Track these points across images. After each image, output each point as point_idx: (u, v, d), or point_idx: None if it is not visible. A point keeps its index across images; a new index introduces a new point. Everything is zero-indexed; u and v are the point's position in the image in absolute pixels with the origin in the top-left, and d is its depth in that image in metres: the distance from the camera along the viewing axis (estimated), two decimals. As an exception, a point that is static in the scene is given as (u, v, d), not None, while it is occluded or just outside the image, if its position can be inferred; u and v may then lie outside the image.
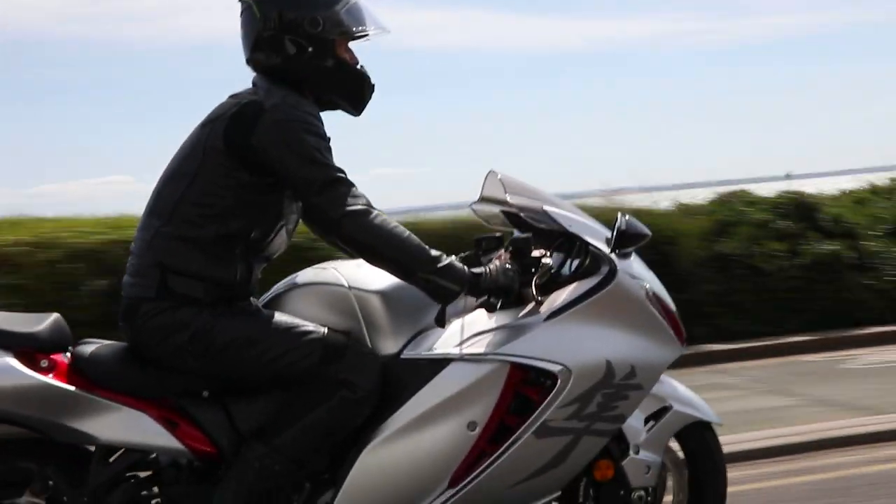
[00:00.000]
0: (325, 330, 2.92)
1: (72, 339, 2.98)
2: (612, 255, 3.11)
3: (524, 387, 3.03)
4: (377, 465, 2.92)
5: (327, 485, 2.94)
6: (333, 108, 3.13)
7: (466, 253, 3.20)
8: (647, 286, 3.15)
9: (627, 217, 3.12)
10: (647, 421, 3.24)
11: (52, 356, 2.86)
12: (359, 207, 2.83)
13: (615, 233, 3.08)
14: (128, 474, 2.91)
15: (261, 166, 2.86)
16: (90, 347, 2.93)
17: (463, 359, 2.98)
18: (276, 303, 3.07)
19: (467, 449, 2.97)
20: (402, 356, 3.01)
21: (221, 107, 2.96)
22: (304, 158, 2.83)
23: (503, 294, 2.93)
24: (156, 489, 2.93)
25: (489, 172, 3.25)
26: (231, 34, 3.14)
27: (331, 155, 2.87)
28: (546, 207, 3.12)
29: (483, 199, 3.26)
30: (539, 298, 3.08)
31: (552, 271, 3.12)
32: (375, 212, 2.86)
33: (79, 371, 2.86)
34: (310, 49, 2.98)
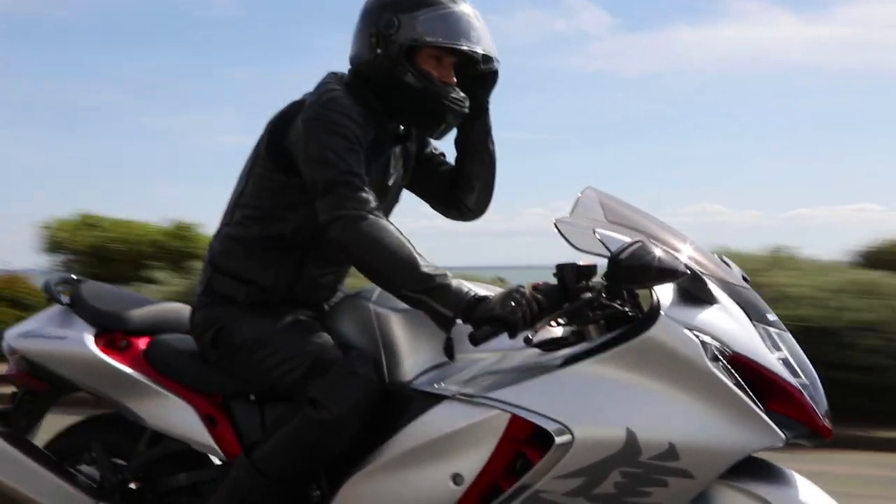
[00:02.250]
0: (328, 344, 2.69)
1: (181, 328, 3.14)
2: (658, 294, 2.39)
3: (528, 445, 2.46)
4: (357, 499, 2.61)
5: (315, 513, 2.69)
6: (411, 124, 2.89)
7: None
8: (716, 343, 2.36)
9: (640, 244, 2.37)
10: None
11: (132, 339, 3.05)
12: (351, 212, 2.56)
13: (608, 263, 2.37)
14: (167, 461, 2.96)
15: (295, 168, 2.74)
16: (169, 337, 3.05)
17: (456, 398, 2.53)
18: (330, 311, 2.90)
19: None
20: (412, 385, 2.65)
21: (285, 106, 2.89)
22: (314, 158, 2.64)
23: (502, 327, 2.41)
24: (188, 480, 2.94)
25: (585, 188, 2.70)
26: None
27: (352, 157, 2.62)
28: (599, 230, 2.50)
29: (570, 218, 2.67)
30: (588, 336, 2.50)
31: (601, 310, 2.48)
32: (372, 219, 2.56)
33: (148, 358, 3.00)
34: (378, 51, 2.77)
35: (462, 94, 2.79)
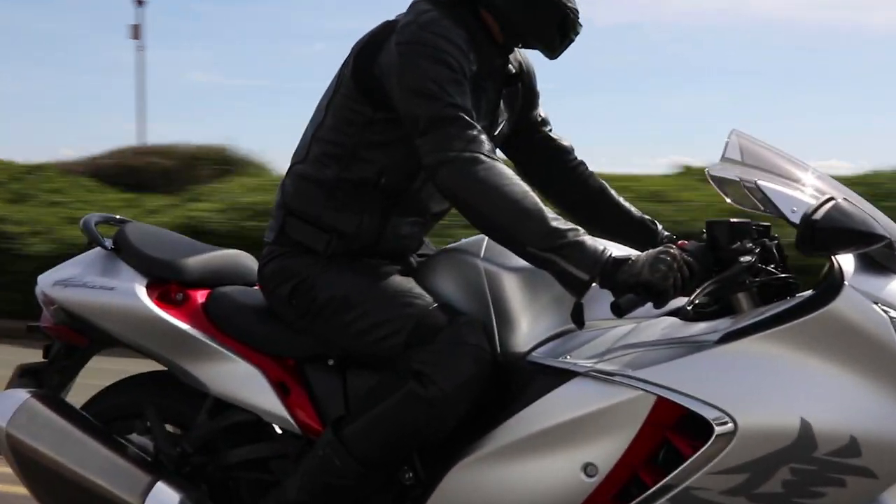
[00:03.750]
0: (431, 306, 2.32)
1: (243, 279, 2.77)
2: (840, 262, 2.04)
3: (675, 433, 2.12)
4: (467, 488, 2.26)
5: (414, 500, 2.35)
6: (525, 43, 2.49)
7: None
8: None
9: (834, 203, 2.01)
10: None
11: (189, 291, 2.67)
12: (463, 154, 2.17)
13: (800, 225, 2.01)
14: (230, 432, 2.60)
15: (384, 100, 2.35)
16: (231, 290, 2.68)
17: (590, 375, 2.17)
18: (424, 266, 2.53)
19: (580, 500, 2.17)
20: (529, 357, 2.29)
21: (374, 28, 2.48)
22: (412, 89, 2.24)
23: (650, 295, 2.06)
24: (255, 454, 2.59)
25: (731, 133, 2.33)
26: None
27: (456, 89, 2.23)
28: (762, 183, 2.13)
29: (723, 166, 2.31)
30: (743, 308, 2.15)
31: (755, 276, 2.14)
32: (489, 162, 2.18)
33: (208, 313, 2.62)
34: None
35: (578, 5, 2.41)
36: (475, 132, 2.21)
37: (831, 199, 2.04)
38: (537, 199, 2.15)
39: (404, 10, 2.44)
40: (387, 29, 2.40)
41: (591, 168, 2.74)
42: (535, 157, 2.68)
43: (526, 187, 2.17)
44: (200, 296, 2.67)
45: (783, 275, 2.19)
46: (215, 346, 2.57)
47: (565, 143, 2.73)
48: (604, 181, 2.72)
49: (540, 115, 2.70)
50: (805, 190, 2.16)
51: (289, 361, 2.56)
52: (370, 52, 2.38)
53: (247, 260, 2.83)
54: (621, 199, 2.69)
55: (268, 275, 2.52)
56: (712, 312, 2.23)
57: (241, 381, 2.55)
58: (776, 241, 2.24)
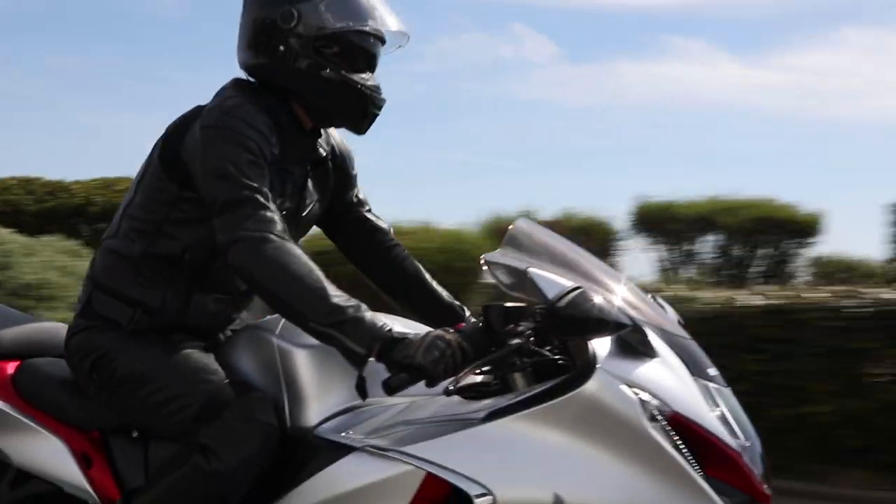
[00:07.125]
0: (221, 382, 2.40)
1: (57, 351, 2.80)
2: (594, 346, 2.17)
3: (445, 508, 2.22)
4: None
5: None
6: (333, 123, 2.63)
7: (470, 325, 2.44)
8: (655, 401, 2.15)
9: (580, 292, 2.16)
10: None
11: None
12: (253, 233, 2.29)
13: (546, 311, 2.15)
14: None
15: (189, 180, 2.46)
16: (41, 362, 2.72)
17: (365, 450, 2.26)
18: (226, 344, 2.61)
19: None
20: (316, 432, 2.38)
21: (187, 111, 2.60)
22: (212, 172, 2.36)
23: (418, 375, 2.17)
24: None
25: (515, 222, 2.49)
26: None
27: (255, 171, 2.36)
28: (531, 270, 2.27)
29: (499, 254, 2.46)
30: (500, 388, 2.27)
31: (522, 357, 2.26)
32: (277, 242, 2.29)
33: (16, 385, 2.66)
34: (281, 49, 2.51)
35: (377, 82, 2.58)
36: (268, 213, 2.32)
37: (578, 287, 2.18)
38: (321, 277, 2.26)
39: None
40: (196, 113, 2.52)
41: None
42: (352, 238, 2.80)
43: (312, 266, 2.27)
44: (10, 367, 2.70)
45: (553, 356, 2.31)
46: (20, 417, 2.60)
47: (382, 224, 2.86)
48: (419, 265, 2.85)
49: (356, 197, 2.83)
50: (576, 278, 2.29)
51: (94, 433, 2.60)
52: (179, 134, 2.50)
53: (62, 331, 2.87)
54: (434, 284, 2.82)
55: (73, 347, 2.58)
56: (494, 391, 2.34)
57: (44, 452, 2.58)
58: None
